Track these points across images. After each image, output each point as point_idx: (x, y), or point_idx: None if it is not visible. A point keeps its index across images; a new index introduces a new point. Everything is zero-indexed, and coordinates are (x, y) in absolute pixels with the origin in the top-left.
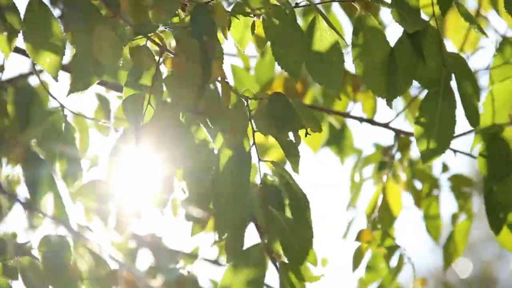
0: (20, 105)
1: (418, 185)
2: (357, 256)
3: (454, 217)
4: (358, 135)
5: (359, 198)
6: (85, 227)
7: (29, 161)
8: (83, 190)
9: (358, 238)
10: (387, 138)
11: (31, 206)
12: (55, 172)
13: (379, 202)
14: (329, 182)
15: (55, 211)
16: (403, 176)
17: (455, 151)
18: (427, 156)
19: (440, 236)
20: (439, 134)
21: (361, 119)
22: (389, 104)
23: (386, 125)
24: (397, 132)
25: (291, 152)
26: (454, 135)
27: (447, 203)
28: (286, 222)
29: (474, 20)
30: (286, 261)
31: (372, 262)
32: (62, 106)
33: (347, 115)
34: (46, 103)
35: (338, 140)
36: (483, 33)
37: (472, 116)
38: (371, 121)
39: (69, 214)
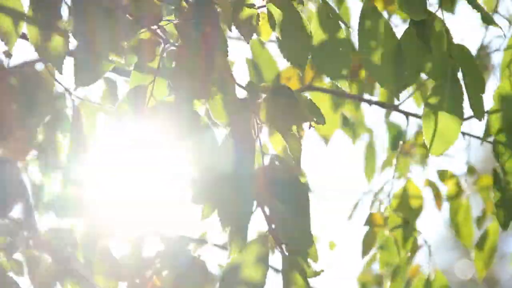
0: (26, 90)
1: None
2: (367, 241)
3: (480, 221)
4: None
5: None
6: None
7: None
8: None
9: (368, 222)
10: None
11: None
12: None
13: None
14: (338, 165)
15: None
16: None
17: (464, 134)
18: (435, 149)
19: (473, 242)
20: (446, 127)
21: (370, 102)
22: (397, 96)
23: (396, 108)
24: (407, 115)
25: (294, 146)
26: (462, 126)
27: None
28: (287, 213)
29: (483, 10)
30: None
31: (384, 245)
32: (68, 92)
33: (357, 97)
34: (52, 88)
35: (349, 120)
36: (494, 23)
37: (477, 108)
38: (381, 104)
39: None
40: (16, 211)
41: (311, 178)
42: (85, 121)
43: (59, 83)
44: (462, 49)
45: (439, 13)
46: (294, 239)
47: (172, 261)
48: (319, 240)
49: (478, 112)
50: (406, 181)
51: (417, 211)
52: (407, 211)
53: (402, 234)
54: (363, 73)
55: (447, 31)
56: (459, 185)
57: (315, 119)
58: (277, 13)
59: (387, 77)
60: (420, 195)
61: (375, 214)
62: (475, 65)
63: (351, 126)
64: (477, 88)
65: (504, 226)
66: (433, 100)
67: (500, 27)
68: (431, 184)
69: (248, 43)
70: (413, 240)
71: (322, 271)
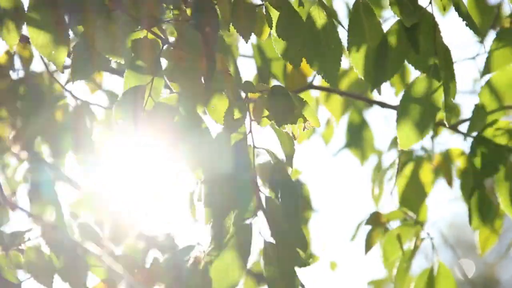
0: (32, 91)
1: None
2: (370, 239)
3: None
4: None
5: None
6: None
7: (34, 167)
8: (82, 201)
9: (370, 221)
10: None
11: (31, 214)
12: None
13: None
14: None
15: (55, 219)
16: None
17: (466, 135)
18: (405, 141)
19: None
20: (420, 120)
21: (370, 101)
22: (375, 89)
23: (396, 108)
24: None
25: (286, 144)
26: (435, 123)
27: None
28: (276, 204)
29: (469, 18)
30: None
31: (387, 242)
32: (73, 96)
33: (356, 96)
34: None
35: (358, 141)
36: (479, 33)
37: (448, 111)
38: (381, 103)
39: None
40: None
41: (316, 197)
42: (93, 128)
43: (65, 89)
44: (445, 51)
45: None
46: (287, 238)
47: (177, 271)
48: (320, 259)
49: (448, 116)
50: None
51: (428, 187)
52: (416, 191)
53: (404, 228)
54: None
55: (435, 26)
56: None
57: (309, 122)
58: (274, 12)
59: (369, 69)
60: (431, 170)
61: (377, 213)
62: (453, 71)
63: (360, 147)
64: (451, 94)
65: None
66: (411, 93)
67: (481, 40)
68: (442, 160)
69: (246, 42)
70: (416, 234)
71: (311, 259)
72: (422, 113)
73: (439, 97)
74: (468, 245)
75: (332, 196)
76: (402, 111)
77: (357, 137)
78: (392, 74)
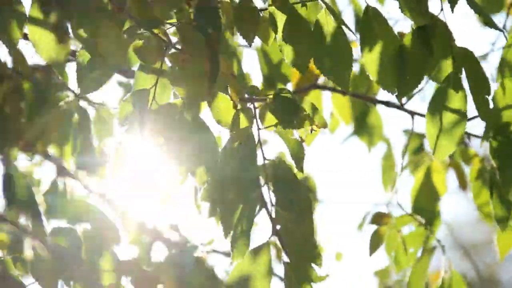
0: (36, 94)
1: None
2: (375, 240)
3: None
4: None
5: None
6: None
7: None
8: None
9: (374, 221)
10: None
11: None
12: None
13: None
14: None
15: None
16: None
17: (469, 135)
18: (439, 152)
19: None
20: (450, 129)
21: (375, 101)
22: (400, 100)
23: (401, 107)
24: (412, 114)
25: (296, 150)
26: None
27: None
28: (289, 220)
29: (484, 13)
30: (289, 261)
31: (392, 247)
32: (77, 96)
33: (360, 96)
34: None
35: (365, 126)
36: (493, 25)
37: (483, 110)
38: (385, 103)
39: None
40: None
41: (321, 187)
42: (102, 126)
43: (69, 88)
44: (465, 51)
45: (441, 16)
46: (297, 244)
47: (180, 266)
48: (326, 250)
49: (484, 113)
50: (428, 163)
51: (441, 190)
52: (429, 194)
53: (413, 235)
54: None
55: (449, 33)
56: (481, 164)
57: (316, 123)
58: (279, 16)
59: (391, 81)
60: (444, 174)
61: (381, 213)
62: (480, 67)
63: (368, 133)
64: (482, 90)
65: (501, 226)
66: (436, 104)
67: (501, 29)
68: (454, 164)
69: (250, 46)
70: (426, 241)
71: (328, 275)
72: (451, 122)
73: (464, 104)
74: (468, 246)
75: (338, 186)
76: (430, 123)
77: (364, 121)
78: (415, 86)
